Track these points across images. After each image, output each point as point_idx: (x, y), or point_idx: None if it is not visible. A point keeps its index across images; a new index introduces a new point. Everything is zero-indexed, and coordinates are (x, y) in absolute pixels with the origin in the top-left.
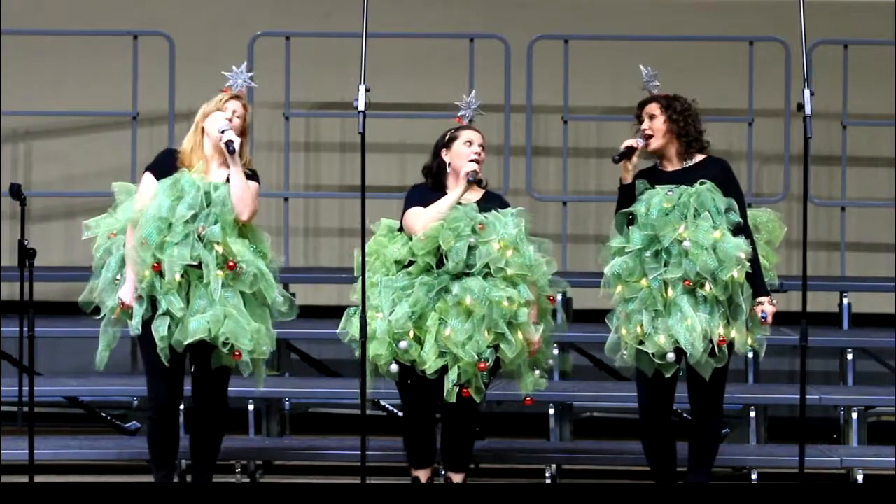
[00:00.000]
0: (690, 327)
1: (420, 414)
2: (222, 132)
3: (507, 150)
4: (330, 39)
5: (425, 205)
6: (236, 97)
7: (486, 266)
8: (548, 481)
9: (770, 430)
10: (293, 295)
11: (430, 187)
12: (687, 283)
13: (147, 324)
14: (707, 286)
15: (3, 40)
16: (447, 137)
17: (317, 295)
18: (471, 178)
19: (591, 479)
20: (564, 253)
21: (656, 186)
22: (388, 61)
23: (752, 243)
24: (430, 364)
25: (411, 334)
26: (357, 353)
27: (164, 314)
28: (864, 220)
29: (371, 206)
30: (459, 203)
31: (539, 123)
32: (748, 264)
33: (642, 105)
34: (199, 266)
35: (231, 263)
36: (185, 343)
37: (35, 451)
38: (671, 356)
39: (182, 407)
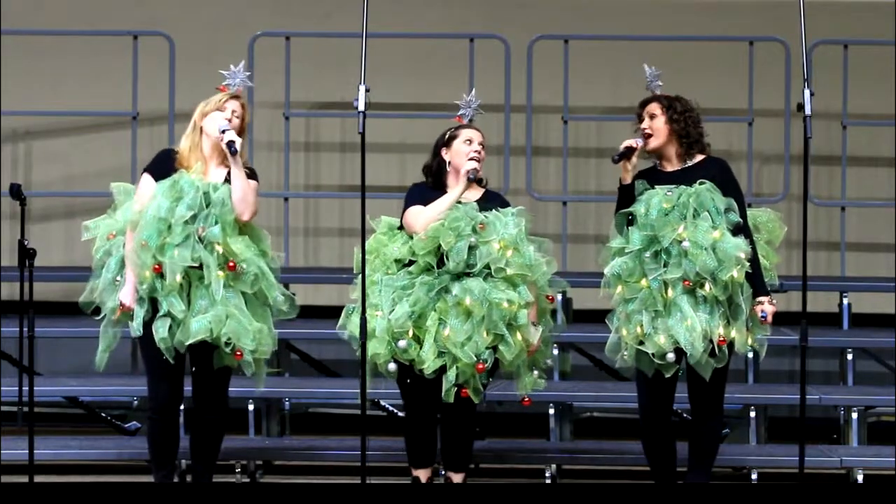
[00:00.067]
0: (690, 327)
1: (421, 414)
2: (223, 132)
3: (507, 150)
4: (330, 39)
5: (425, 203)
6: (235, 97)
7: (487, 266)
8: (548, 481)
9: (770, 430)
10: (293, 294)
11: (431, 186)
12: (687, 283)
13: (148, 324)
14: (707, 286)
15: (3, 40)
16: (447, 136)
17: (317, 295)
18: (471, 177)
19: (591, 479)
20: (564, 253)
21: (656, 187)
22: (388, 61)
23: (752, 243)
24: (429, 364)
25: (410, 333)
26: (357, 353)
27: (164, 315)
28: (864, 220)
29: (371, 206)
30: (460, 202)
31: (539, 123)
32: (748, 264)
33: (644, 104)
34: (200, 267)
35: (231, 264)
36: (188, 344)
37: (35, 451)
38: (671, 356)
39: (182, 407)
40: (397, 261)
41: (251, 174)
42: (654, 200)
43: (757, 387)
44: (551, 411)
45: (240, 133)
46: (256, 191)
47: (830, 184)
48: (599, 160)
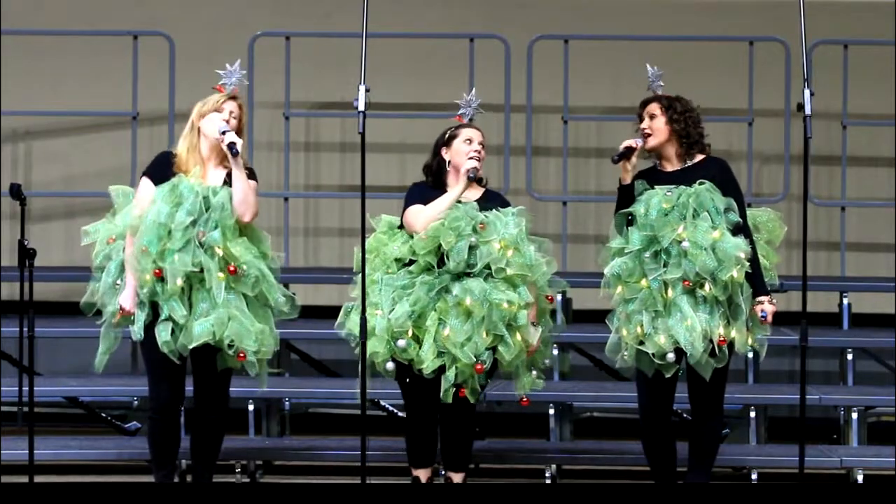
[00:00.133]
0: (690, 327)
1: (421, 413)
2: (223, 133)
3: (507, 150)
4: (330, 39)
5: (425, 203)
6: (233, 97)
7: (487, 266)
8: (548, 481)
9: (770, 430)
10: (293, 294)
11: (431, 185)
12: (686, 283)
13: (149, 326)
14: (707, 286)
15: (3, 40)
16: (447, 136)
17: (317, 295)
18: (471, 176)
19: (591, 479)
20: (564, 253)
21: (655, 187)
22: (388, 61)
23: (752, 243)
24: (428, 364)
25: (410, 333)
26: (356, 351)
27: (166, 319)
28: (864, 220)
29: (371, 206)
30: (460, 202)
31: (539, 123)
32: (747, 264)
33: (644, 104)
34: (201, 270)
35: (232, 268)
36: (191, 347)
37: (35, 451)
38: (671, 356)
39: (182, 407)
40: (397, 260)
41: (250, 174)
42: (653, 200)
43: (757, 387)
44: (551, 411)
45: (238, 133)
46: (256, 191)
47: (830, 184)
48: (599, 160)
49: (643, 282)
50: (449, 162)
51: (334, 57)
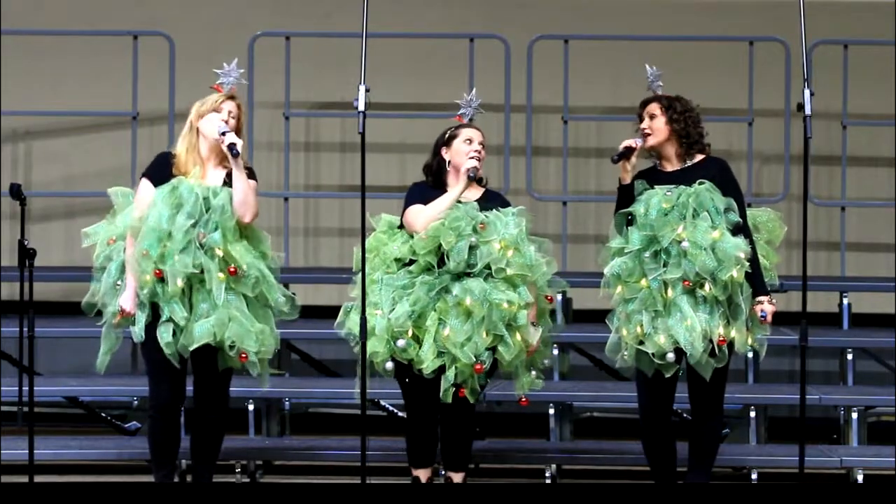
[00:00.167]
0: (690, 327)
1: (422, 413)
2: (223, 134)
3: (507, 150)
4: (330, 39)
5: (426, 202)
6: (231, 97)
7: (487, 266)
8: (548, 481)
9: (770, 430)
10: (293, 294)
11: (431, 185)
12: (686, 283)
13: (150, 327)
14: (706, 286)
15: (3, 40)
16: (447, 136)
17: (317, 295)
18: (471, 175)
19: (591, 479)
20: (564, 253)
21: (655, 187)
22: (388, 61)
23: (752, 243)
24: (428, 364)
25: (410, 333)
26: (355, 350)
27: (167, 321)
28: (864, 220)
29: (371, 206)
30: (460, 201)
31: (539, 123)
32: (747, 264)
33: (644, 104)
34: (201, 271)
35: (232, 269)
36: (192, 348)
37: (35, 451)
38: (671, 356)
39: (182, 407)
40: (397, 260)
41: (249, 173)
42: (653, 200)
43: (757, 387)
44: (551, 411)
45: (236, 133)
46: (256, 190)
47: (830, 184)
48: (599, 160)
49: (643, 282)
50: (449, 162)
51: (334, 57)
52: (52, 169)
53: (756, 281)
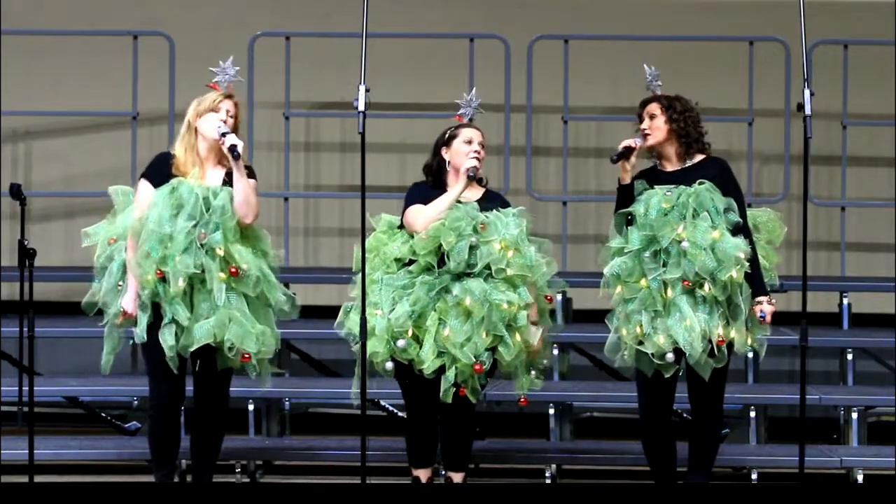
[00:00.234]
0: (689, 327)
1: (422, 413)
2: (223, 136)
3: (507, 150)
4: (330, 39)
5: (426, 202)
6: (228, 96)
7: (487, 266)
8: (548, 481)
9: (770, 430)
10: (294, 294)
11: (431, 185)
12: (686, 283)
13: (151, 327)
14: (706, 286)
15: (3, 40)
16: (447, 135)
17: (317, 295)
18: (471, 175)
19: (591, 479)
20: (564, 253)
21: (655, 187)
22: (388, 61)
23: (752, 243)
24: (428, 364)
25: (410, 333)
26: (355, 350)
27: (170, 323)
28: (864, 220)
29: (371, 206)
30: (460, 202)
31: (539, 123)
32: (747, 264)
33: (644, 104)
34: (202, 271)
35: (233, 269)
36: (192, 350)
37: (35, 451)
38: (670, 356)
39: (182, 407)
40: (397, 260)
41: (249, 173)
42: (653, 200)
43: (757, 387)
44: (551, 411)
45: (234, 132)
46: (256, 190)
47: (830, 184)
48: (599, 160)
49: (643, 282)
50: (449, 162)
51: (334, 57)
52: (52, 169)
53: (756, 281)
